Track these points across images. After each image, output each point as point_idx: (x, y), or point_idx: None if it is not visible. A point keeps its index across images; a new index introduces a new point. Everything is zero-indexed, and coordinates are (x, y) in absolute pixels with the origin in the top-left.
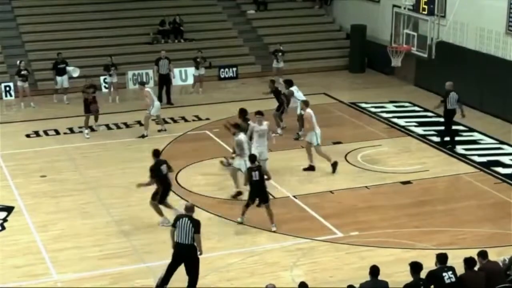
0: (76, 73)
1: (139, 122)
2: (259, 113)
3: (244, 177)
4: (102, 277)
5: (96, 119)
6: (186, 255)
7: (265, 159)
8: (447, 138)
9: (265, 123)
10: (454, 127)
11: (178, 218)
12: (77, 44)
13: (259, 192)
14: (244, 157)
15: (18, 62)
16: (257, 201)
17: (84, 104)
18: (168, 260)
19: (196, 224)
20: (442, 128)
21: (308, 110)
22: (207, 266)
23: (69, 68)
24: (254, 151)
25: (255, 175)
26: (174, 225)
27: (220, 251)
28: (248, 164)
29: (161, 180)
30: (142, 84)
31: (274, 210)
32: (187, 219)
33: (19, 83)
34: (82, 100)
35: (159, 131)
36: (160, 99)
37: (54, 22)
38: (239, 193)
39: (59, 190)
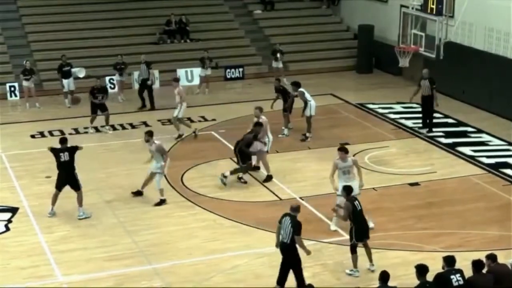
0: (82, 73)
1: (144, 123)
2: (343, 149)
3: (344, 210)
4: (108, 279)
5: (106, 122)
6: (285, 254)
7: (356, 194)
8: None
9: (349, 159)
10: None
11: (283, 216)
12: (82, 44)
13: (364, 225)
14: (162, 161)
15: (24, 62)
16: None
17: (91, 105)
18: (173, 261)
19: (295, 225)
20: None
21: (264, 117)
22: (213, 268)
23: (74, 70)
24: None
25: (358, 205)
26: (280, 222)
27: (227, 253)
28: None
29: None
30: (176, 80)
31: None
32: (289, 218)
33: (25, 83)
34: (90, 102)
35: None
36: (143, 104)
37: (59, 22)
38: (140, 193)
39: (64, 191)
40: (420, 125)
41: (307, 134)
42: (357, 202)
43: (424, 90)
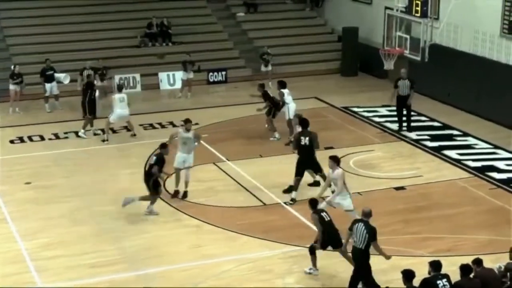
0: (67, 79)
1: (125, 127)
2: (331, 158)
3: (315, 223)
4: (92, 286)
5: (91, 124)
6: (356, 259)
7: (349, 209)
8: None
9: (336, 171)
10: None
11: (354, 222)
12: (62, 47)
13: (333, 235)
14: (190, 153)
15: (12, 66)
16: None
17: (87, 106)
18: (159, 267)
19: (371, 231)
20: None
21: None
22: (201, 274)
23: (59, 75)
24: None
25: (326, 216)
26: (350, 229)
27: (213, 259)
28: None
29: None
30: (119, 88)
31: (265, 217)
32: (362, 224)
33: (12, 87)
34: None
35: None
36: (84, 110)
37: (39, 25)
38: (176, 192)
39: (46, 197)
40: (397, 127)
41: (290, 138)
42: (324, 213)
43: (402, 90)
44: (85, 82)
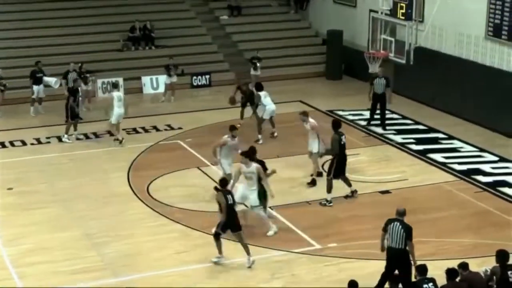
0: (57, 84)
1: (109, 132)
2: (243, 154)
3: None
4: None
5: (75, 128)
6: (397, 260)
7: (256, 205)
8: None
9: (253, 165)
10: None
11: (389, 222)
12: (44, 51)
13: (232, 219)
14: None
15: None
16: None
17: (70, 110)
18: (144, 273)
19: (407, 230)
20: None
21: (312, 120)
22: (186, 279)
23: (50, 79)
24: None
25: (230, 199)
26: (385, 229)
27: (197, 264)
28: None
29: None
30: (114, 86)
31: (250, 222)
32: (398, 223)
33: None
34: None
35: (115, 140)
36: (67, 114)
37: (20, 29)
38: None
39: (28, 203)
40: (366, 121)
41: (259, 136)
42: (230, 196)
43: (378, 88)
44: (72, 86)
